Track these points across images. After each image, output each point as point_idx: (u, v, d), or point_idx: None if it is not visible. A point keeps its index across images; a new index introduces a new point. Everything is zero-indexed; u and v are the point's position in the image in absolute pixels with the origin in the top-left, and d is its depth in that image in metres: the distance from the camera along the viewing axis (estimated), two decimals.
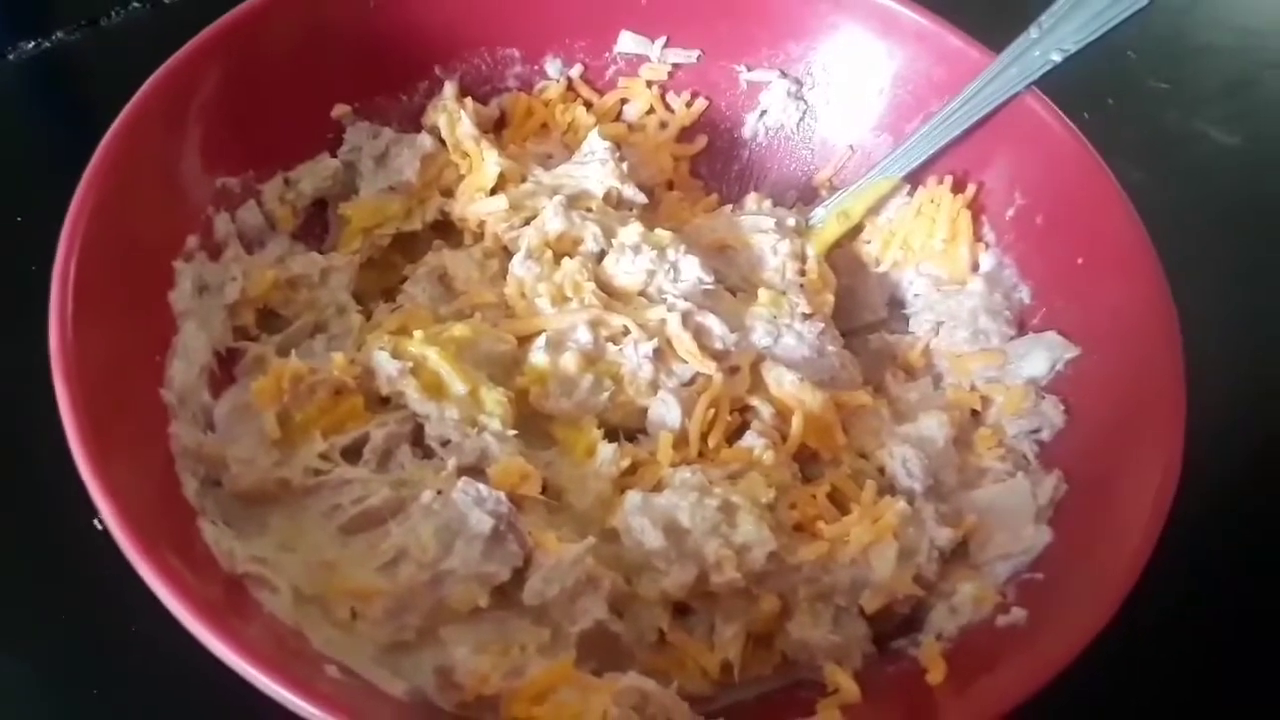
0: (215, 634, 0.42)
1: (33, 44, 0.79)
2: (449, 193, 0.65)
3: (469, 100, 0.67)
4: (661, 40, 0.70)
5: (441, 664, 0.48)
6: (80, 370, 0.47)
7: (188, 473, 0.51)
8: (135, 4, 0.81)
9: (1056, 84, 0.63)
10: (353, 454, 0.55)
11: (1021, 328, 0.64)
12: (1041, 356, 0.61)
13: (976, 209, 0.66)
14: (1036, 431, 0.60)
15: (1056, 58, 0.62)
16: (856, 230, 0.68)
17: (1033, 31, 0.62)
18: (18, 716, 0.55)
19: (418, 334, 0.56)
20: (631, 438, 0.58)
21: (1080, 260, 0.61)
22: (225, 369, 0.57)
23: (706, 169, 0.73)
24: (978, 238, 0.66)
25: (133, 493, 0.45)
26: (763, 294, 0.62)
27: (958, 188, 0.66)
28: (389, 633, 0.49)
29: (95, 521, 0.52)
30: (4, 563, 0.58)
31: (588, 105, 0.71)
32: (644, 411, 0.58)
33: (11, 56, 0.78)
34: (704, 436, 0.57)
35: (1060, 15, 0.62)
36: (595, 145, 0.66)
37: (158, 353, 0.54)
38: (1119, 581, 0.48)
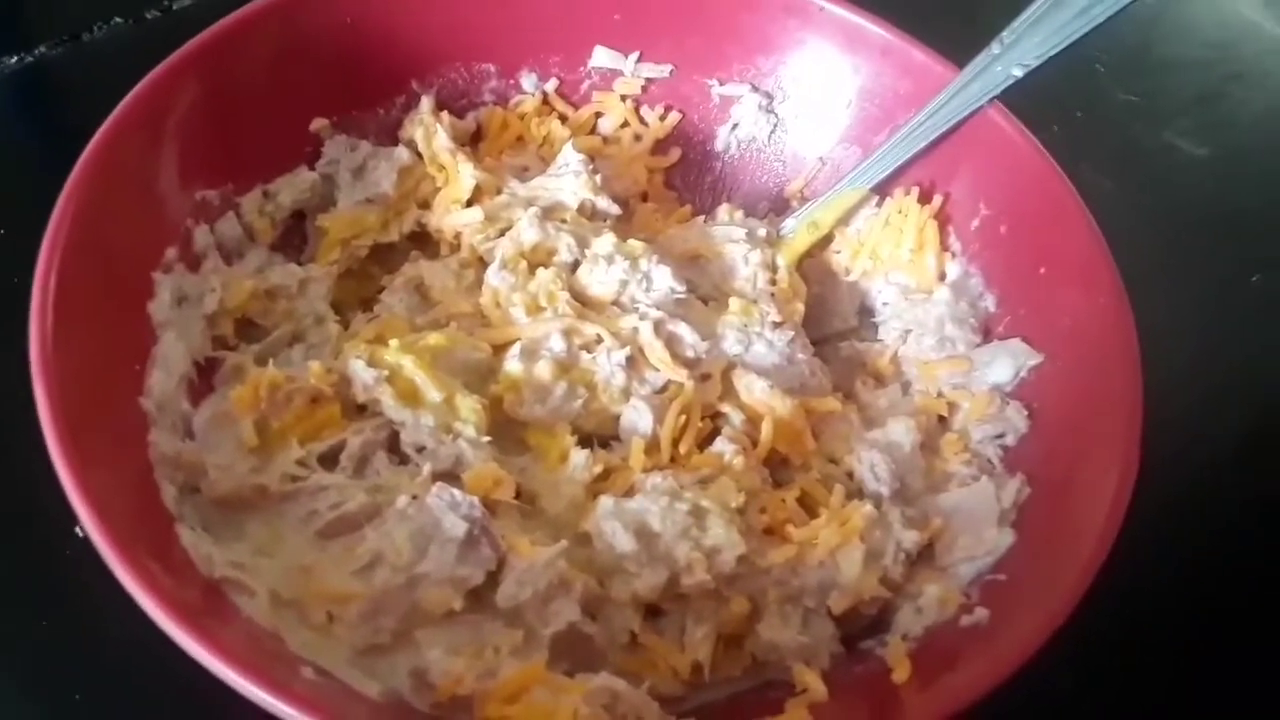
0: (193, 637, 0.42)
1: (15, 59, 0.79)
2: (426, 205, 0.66)
3: (445, 114, 0.68)
4: (635, 55, 0.71)
5: (416, 665, 0.49)
6: (60, 379, 0.48)
7: (166, 480, 0.52)
8: (117, 19, 0.82)
9: (1025, 96, 0.64)
10: (329, 460, 0.56)
11: (987, 335, 0.65)
12: (1006, 363, 0.63)
13: (943, 219, 0.67)
14: (1001, 436, 0.61)
15: (1018, 72, 0.63)
16: (826, 240, 0.70)
17: (994, 47, 0.63)
18: None
19: (394, 343, 0.57)
20: (604, 444, 0.59)
21: (1042, 269, 0.63)
22: (204, 378, 0.58)
23: (680, 181, 0.74)
24: (944, 247, 0.67)
25: (112, 499, 0.46)
26: (734, 303, 0.64)
27: (924, 198, 0.67)
28: (365, 635, 0.50)
29: (77, 529, 0.53)
30: None
31: (563, 119, 0.72)
32: (617, 418, 0.59)
33: None
34: (675, 442, 0.58)
35: (1022, 31, 0.63)
36: (570, 158, 0.67)
37: (137, 362, 0.55)
38: (1075, 582, 0.49)
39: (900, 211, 0.68)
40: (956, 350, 0.65)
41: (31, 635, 0.57)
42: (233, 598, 0.49)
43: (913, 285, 0.68)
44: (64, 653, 0.56)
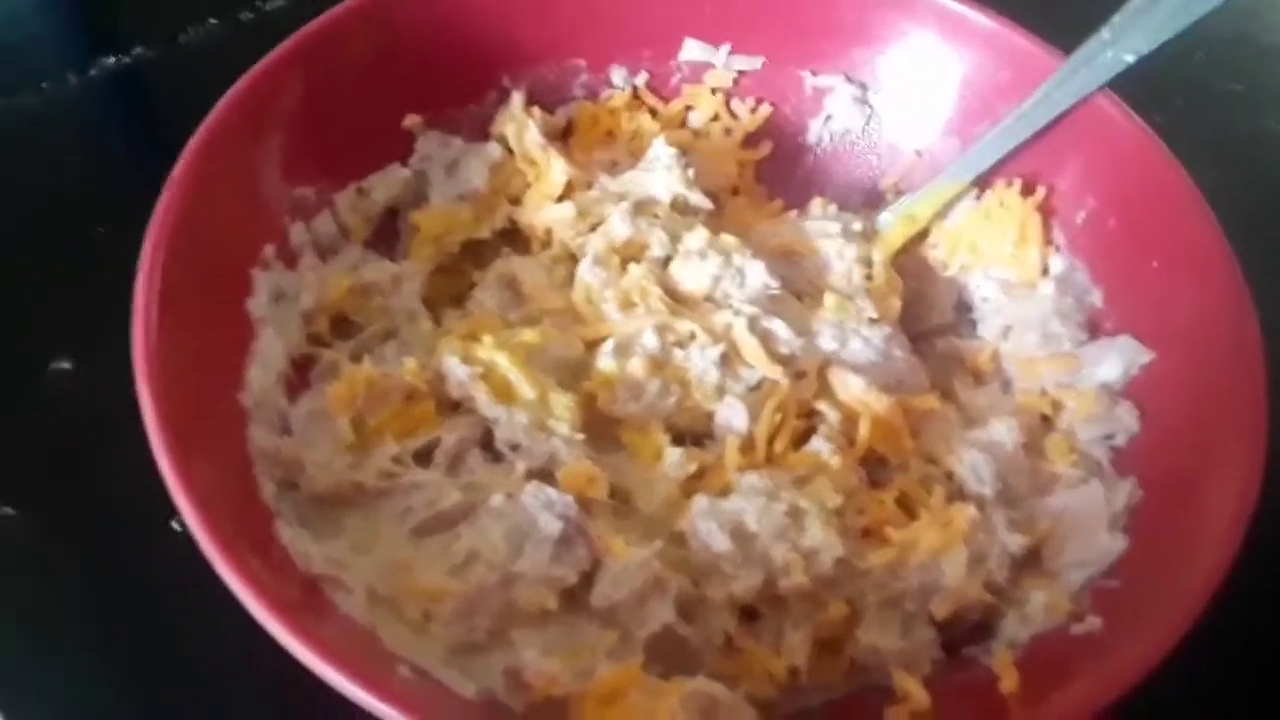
0: (292, 633, 0.43)
1: (113, 59, 0.81)
2: (517, 200, 0.66)
3: (536, 109, 0.68)
4: (726, 47, 0.70)
5: (511, 665, 0.49)
6: (163, 375, 0.48)
7: (265, 475, 0.52)
8: (211, 20, 0.83)
9: (1124, 85, 0.62)
10: (424, 458, 0.56)
11: (1094, 332, 0.63)
12: (1115, 361, 0.60)
13: (1046, 212, 0.65)
14: (1110, 437, 0.59)
15: (1129, 58, 0.61)
16: (923, 235, 0.68)
17: (1104, 33, 0.61)
18: (101, 714, 0.56)
19: (487, 339, 0.57)
20: (698, 442, 0.58)
21: (1155, 263, 0.60)
22: (300, 375, 0.58)
23: (771, 174, 0.72)
24: (1048, 241, 0.65)
25: (212, 494, 0.46)
26: (829, 299, 0.62)
27: (1027, 190, 0.65)
28: (459, 634, 0.50)
29: (174, 523, 0.53)
30: (84, 565, 0.59)
31: (653, 113, 0.71)
32: (710, 416, 0.58)
33: (94, 72, 0.81)
34: (771, 441, 0.57)
35: (1133, 16, 0.61)
36: (660, 152, 0.66)
37: (236, 358, 0.55)
38: (1198, 591, 0.47)
39: (1001, 204, 0.66)
40: (1061, 347, 0.62)
41: (127, 631, 0.57)
42: (330, 594, 0.49)
43: (1014, 280, 0.66)
44: (161, 649, 0.57)
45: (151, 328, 0.49)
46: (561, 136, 0.70)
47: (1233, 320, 0.55)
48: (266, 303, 0.57)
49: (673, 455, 0.56)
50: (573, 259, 0.63)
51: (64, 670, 0.56)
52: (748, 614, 0.54)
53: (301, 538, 0.50)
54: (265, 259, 0.58)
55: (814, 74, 0.71)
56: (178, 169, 0.54)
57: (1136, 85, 0.62)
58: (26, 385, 0.63)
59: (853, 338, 0.61)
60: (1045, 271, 0.65)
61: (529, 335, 0.58)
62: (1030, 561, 0.56)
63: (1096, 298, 0.63)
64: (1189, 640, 0.46)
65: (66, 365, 0.64)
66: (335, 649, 0.44)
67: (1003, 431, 0.60)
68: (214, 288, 0.55)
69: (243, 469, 0.52)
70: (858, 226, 0.66)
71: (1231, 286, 0.56)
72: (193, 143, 0.55)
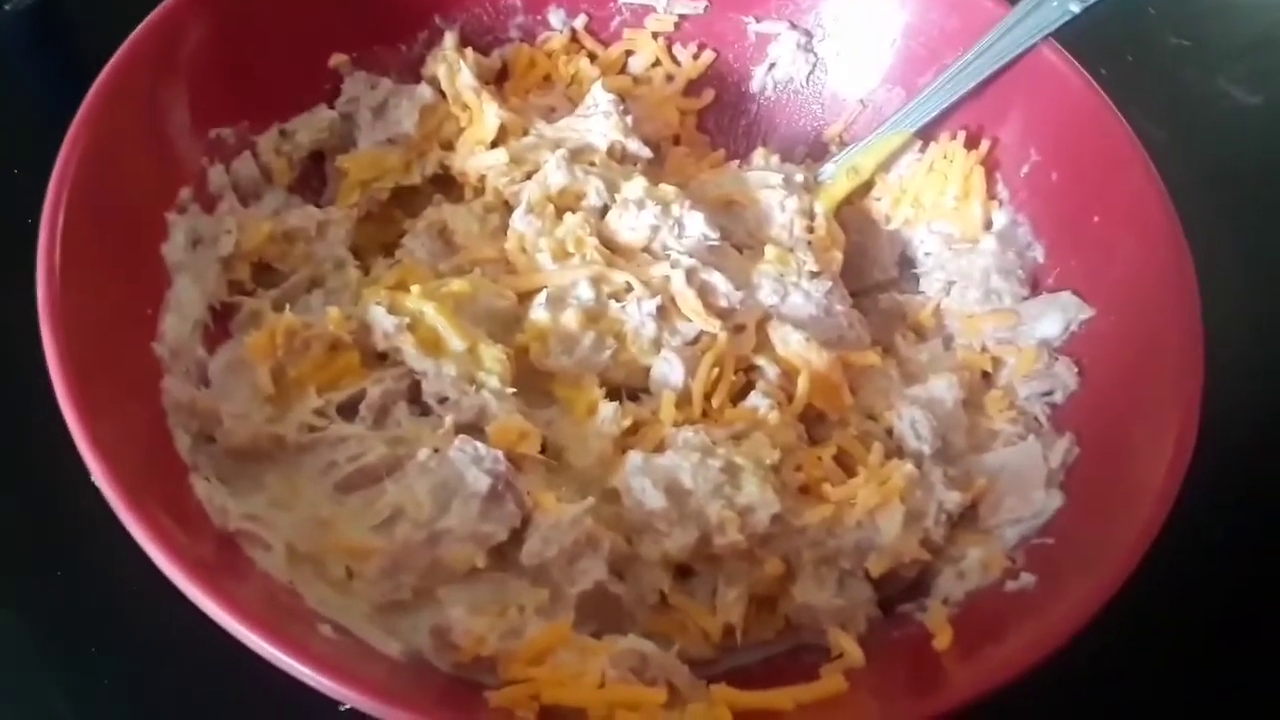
0: (205, 592, 0.41)
1: None
2: (449, 146, 0.64)
3: (469, 51, 0.65)
4: None
5: (438, 624, 0.48)
6: (69, 324, 0.46)
7: (180, 428, 0.50)
8: None
9: (1073, 38, 0.61)
10: (349, 411, 0.54)
11: (1035, 287, 0.62)
12: (1055, 317, 0.60)
13: (990, 165, 0.64)
14: (1049, 394, 0.59)
15: (1075, 8, 0.60)
16: (867, 187, 0.67)
17: None
18: (17, 678, 0.54)
19: (415, 289, 0.55)
20: (634, 397, 0.57)
21: (1096, 218, 0.60)
22: (220, 324, 0.56)
23: (713, 123, 0.71)
24: (991, 195, 0.64)
25: (123, 448, 0.44)
26: (769, 251, 0.61)
27: (971, 143, 0.64)
28: (384, 592, 0.48)
29: (94, 478, 0.51)
30: (2, 521, 0.57)
31: (592, 57, 0.69)
32: (647, 370, 0.57)
33: (9, 7, 0.77)
34: (708, 396, 0.56)
35: None
36: (599, 98, 0.64)
37: (150, 307, 0.53)
38: (1131, 547, 0.47)
39: (945, 157, 0.65)
40: (1003, 303, 0.62)
41: (47, 589, 0.56)
42: (248, 551, 0.48)
43: (957, 234, 0.65)
44: (78, 606, 0.55)
45: (55, 275, 0.47)
46: (496, 80, 0.67)
47: (1172, 278, 0.55)
48: (183, 248, 0.55)
49: (607, 410, 0.55)
50: (506, 207, 0.61)
51: None
52: (682, 572, 0.53)
53: (218, 493, 0.49)
54: (181, 202, 0.56)
55: (758, 20, 0.69)
56: (83, 108, 0.51)
57: (1085, 40, 0.61)
58: None
59: (793, 291, 0.60)
60: (988, 226, 0.64)
61: (459, 285, 0.56)
62: (967, 518, 0.56)
63: (1038, 253, 0.63)
64: (1120, 597, 0.46)
65: None
66: (251, 608, 0.42)
67: (943, 388, 0.59)
68: (125, 232, 0.53)
69: (156, 422, 0.50)
70: (800, 178, 0.65)
71: (1171, 243, 0.56)
72: (99, 81, 0.52)
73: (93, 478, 0.43)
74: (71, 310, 0.47)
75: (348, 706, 0.48)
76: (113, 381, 0.47)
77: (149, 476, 0.45)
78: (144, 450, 0.47)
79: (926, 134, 0.65)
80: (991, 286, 0.62)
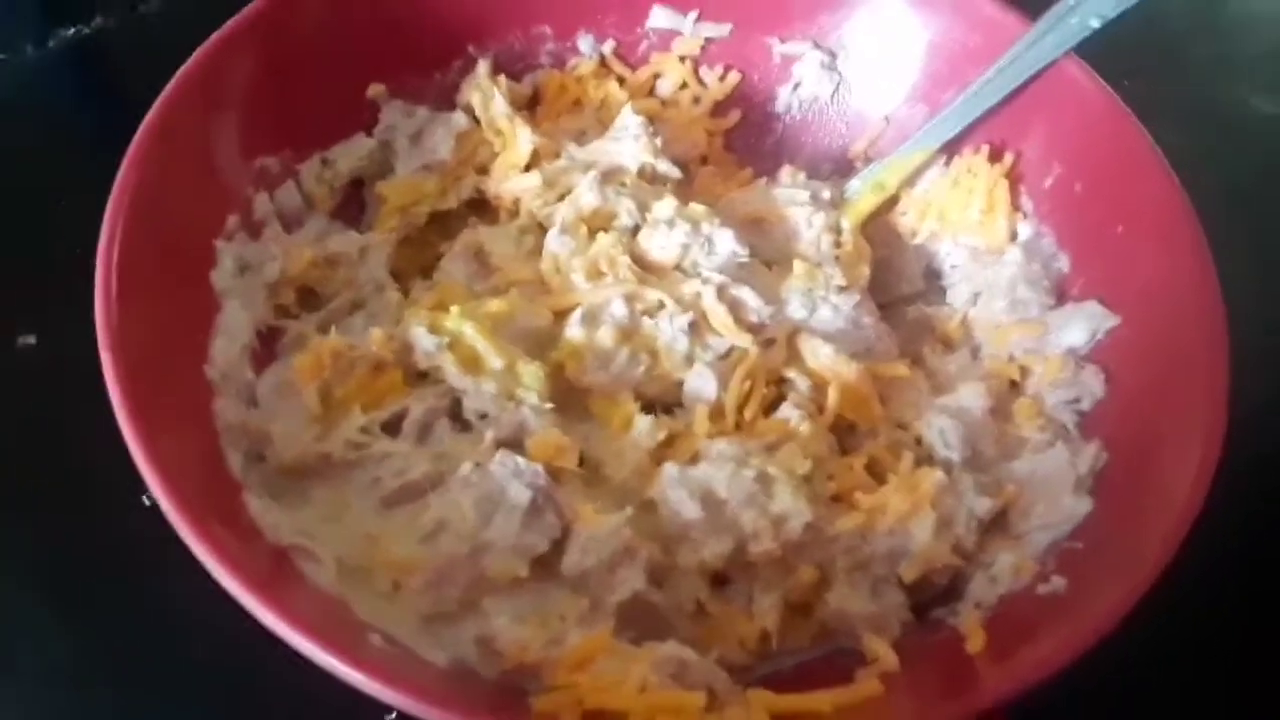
0: (263, 603, 0.42)
1: (73, 30, 0.80)
2: (484, 170, 0.66)
3: (502, 78, 0.67)
4: (693, 14, 0.70)
5: (483, 633, 0.49)
6: (126, 349, 0.48)
7: (232, 448, 0.52)
8: None
9: (1095, 50, 0.62)
10: (392, 428, 0.56)
11: (1061, 297, 0.63)
12: (1081, 326, 0.61)
13: (1014, 178, 0.65)
14: (1076, 401, 0.59)
15: (1095, 24, 0.61)
16: (892, 202, 0.68)
17: None
18: (76, 699, 0.56)
19: (454, 309, 0.57)
20: (668, 410, 0.58)
21: (1120, 228, 0.61)
22: (267, 347, 0.58)
23: (740, 143, 0.72)
24: (1015, 207, 0.65)
25: (180, 467, 0.46)
26: (798, 266, 0.62)
27: (995, 157, 0.65)
28: (430, 603, 0.50)
29: (144, 497, 0.53)
30: (54, 543, 0.59)
31: (620, 81, 0.71)
32: (680, 384, 0.58)
33: (52, 44, 0.80)
34: (740, 409, 0.58)
35: None
36: (628, 121, 0.66)
37: (201, 331, 0.55)
38: (1160, 551, 0.48)
39: (969, 171, 0.66)
40: (1029, 313, 0.63)
41: (100, 610, 0.57)
42: (300, 565, 0.49)
43: (982, 247, 0.66)
44: (133, 627, 0.57)
45: (113, 302, 0.49)
46: (528, 105, 0.69)
47: (1195, 285, 0.56)
48: (231, 274, 0.57)
49: (642, 424, 0.56)
50: (541, 229, 0.63)
51: (31, 647, 0.56)
52: (718, 580, 0.54)
53: (270, 509, 0.50)
54: (229, 230, 0.58)
55: (782, 41, 0.70)
56: (136, 140, 0.53)
57: (1107, 50, 0.62)
58: None
59: (822, 305, 0.61)
60: (1013, 238, 0.65)
61: (496, 305, 0.57)
62: (997, 524, 0.56)
63: (1063, 263, 0.64)
64: (1149, 600, 0.46)
65: (31, 340, 0.63)
66: (307, 619, 0.44)
67: (971, 397, 0.60)
68: (176, 260, 0.55)
69: (209, 442, 0.52)
70: (826, 194, 0.66)
71: (1195, 251, 0.57)
72: (148, 118, 0.54)
73: (148, 497, 0.45)
74: (129, 336, 0.49)
75: (394, 715, 0.50)
76: (168, 404, 0.49)
77: (205, 494, 0.47)
78: (200, 469, 0.49)
79: (950, 149, 0.67)
80: (1017, 297, 0.63)
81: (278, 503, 0.51)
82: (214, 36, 0.58)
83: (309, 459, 0.53)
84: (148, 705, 0.55)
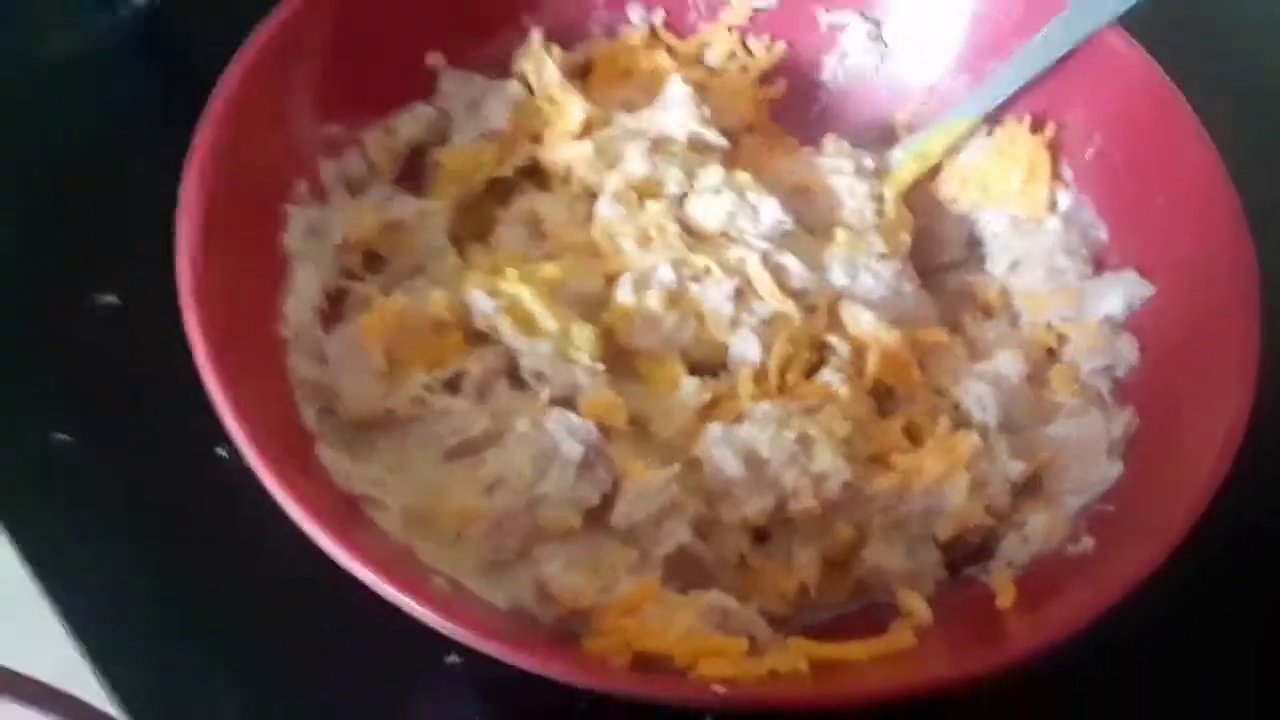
0: (339, 543, 0.45)
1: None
2: (537, 138, 0.67)
3: (555, 47, 0.69)
4: None
5: (538, 578, 0.52)
6: (208, 306, 0.50)
7: (305, 402, 0.55)
8: None
9: (1140, 18, 0.63)
10: (453, 386, 0.58)
11: (1099, 267, 0.65)
12: (1118, 294, 0.62)
13: (1055, 148, 0.66)
14: (1111, 368, 0.61)
15: None
16: (934, 171, 0.69)
17: None
18: (148, 626, 0.58)
19: (510, 273, 0.59)
20: (713, 373, 0.61)
21: (1159, 199, 0.62)
22: (334, 307, 0.60)
23: (786, 112, 0.73)
24: (1056, 177, 0.67)
25: (259, 419, 0.49)
26: (840, 234, 0.64)
27: (1036, 127, 0.66)
28: (490, 551, 0.53)
29: (219, 449, 0.56)
30: (134, 492, 0.61)
31: (670, 51, 0.72)
32: (725, 348, 0.60)
33: (122, 11, 0.82)
34: (782, 372, 0.60)
35: None
36: (676, 90, 0.67)
37: (272, 291, 0.57)
38: (1185, 514, 0.49)
39: (1011, 141, 0.67)
40: (1067, 282, 0.64)
41: (175, 554, 0.60)
42: (368, 512, 0.52)
43: (1022, 216, 0.67)
44: (206, 570, 0.59)
45: (197, 261, 0.51)
46: (580, 74, 0.71)
47: (1231, 258, 0.57)
48: (301, 237, 0.59)
49: (688, 385, 0.58)
50: (592, 196, 0.65)
51: (123, 590, 0.59)
52: (759, 535, 0.57)
53: (341, 459, 0.53)
54: (298, 194, 0.60)
55: (828, 10, 0.71)
56: (214, 102, 0.55)
57: (1153, 18, 0.62)
58: (73, 319, 0.65)
59: (863, 272, 0.63)
60: (1053, 207, 0.67)
61: (550, 269, 0.60)
62: (1031, 487, 0.58)
63: (1102, 233, 0.65)
64: (1174, 561, 0.48)
65: (112, 299, 0.66)
66: (378, 557, 0.47)
67: (1008, 363, 0.62)
68: (251, 222, 0.57)
69: (284, 397, 0.54)
70: (869, 163, 0.68)
71: (1231, 223, 0.58)
72: (229, 74, 0.56)
73: (224, 448, 0.48)
74: (210, 292, 0.51)
75: (452, 659, 0.54)
76: (247, 359, 0.52)
77: (284, 445, 0.50)
78: (277, 422, 0.52)
79: (993, 119, 0.68)
80: (1056, 265, 0.65)
81: (347, 453, 0.54)
82: (286, 2, 0.59)
83: (375, 414, 0.56)
84: (227, 650, 0.58)
